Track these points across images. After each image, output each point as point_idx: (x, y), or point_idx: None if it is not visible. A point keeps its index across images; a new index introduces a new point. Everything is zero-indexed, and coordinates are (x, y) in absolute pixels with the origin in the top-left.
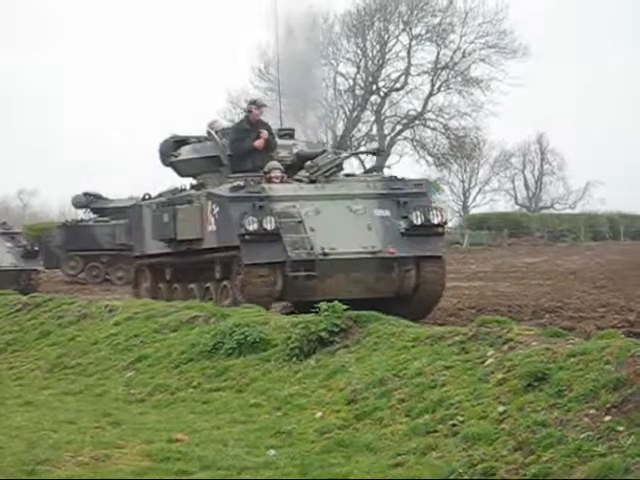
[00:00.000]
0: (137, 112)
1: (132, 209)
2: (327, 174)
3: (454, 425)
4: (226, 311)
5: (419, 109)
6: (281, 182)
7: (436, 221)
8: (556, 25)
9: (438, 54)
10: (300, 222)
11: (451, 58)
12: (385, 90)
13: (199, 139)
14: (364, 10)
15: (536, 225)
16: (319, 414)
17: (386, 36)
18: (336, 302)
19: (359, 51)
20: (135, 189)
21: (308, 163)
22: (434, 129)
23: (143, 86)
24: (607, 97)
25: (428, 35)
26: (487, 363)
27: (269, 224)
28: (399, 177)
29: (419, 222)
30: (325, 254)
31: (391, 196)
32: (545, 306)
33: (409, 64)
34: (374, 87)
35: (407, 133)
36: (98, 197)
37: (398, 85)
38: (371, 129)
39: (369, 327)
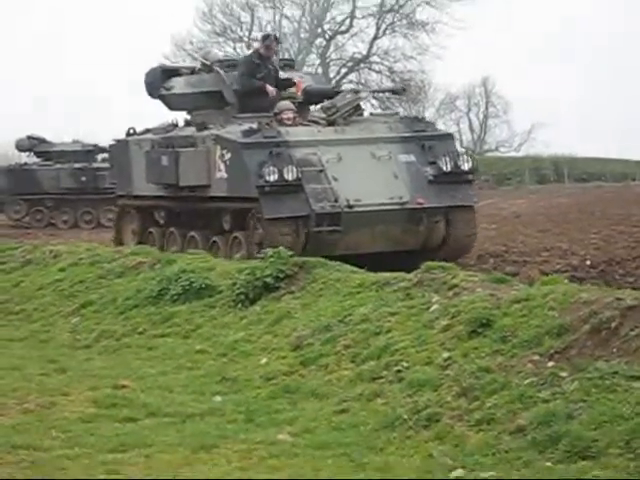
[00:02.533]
0: (79, 55)
1: (115, 144)
2: (346, 116)
3: (399, 371)
4: (171, 257)
5: (364, 52)
6: (294, 124)
7: (466, 167)
8: None
9: None
10: (322, 171)
11: (396, 1)
12: (330, 33)
13: (192, 70)
14: None
15: (481, 168)
16: (265, 360)
17: None
18: (281, 248)
19: None
20: (77, 133)
21: (325, 104)
22: (379, 72)
23: (86, 29)
24: (552, 40)
25: None
26: (432, 309)
27: (290, 174)
28: (420, 117)
29: (448, 169)
30: (350, 206)
31: (415, 139)
32: (490, 250)
33: (354, 7)
34: (319, 30)
35: (352, 76)
36: (42, 141)
37: (343, 28)
38: (316, 72)
39: (315, 273)
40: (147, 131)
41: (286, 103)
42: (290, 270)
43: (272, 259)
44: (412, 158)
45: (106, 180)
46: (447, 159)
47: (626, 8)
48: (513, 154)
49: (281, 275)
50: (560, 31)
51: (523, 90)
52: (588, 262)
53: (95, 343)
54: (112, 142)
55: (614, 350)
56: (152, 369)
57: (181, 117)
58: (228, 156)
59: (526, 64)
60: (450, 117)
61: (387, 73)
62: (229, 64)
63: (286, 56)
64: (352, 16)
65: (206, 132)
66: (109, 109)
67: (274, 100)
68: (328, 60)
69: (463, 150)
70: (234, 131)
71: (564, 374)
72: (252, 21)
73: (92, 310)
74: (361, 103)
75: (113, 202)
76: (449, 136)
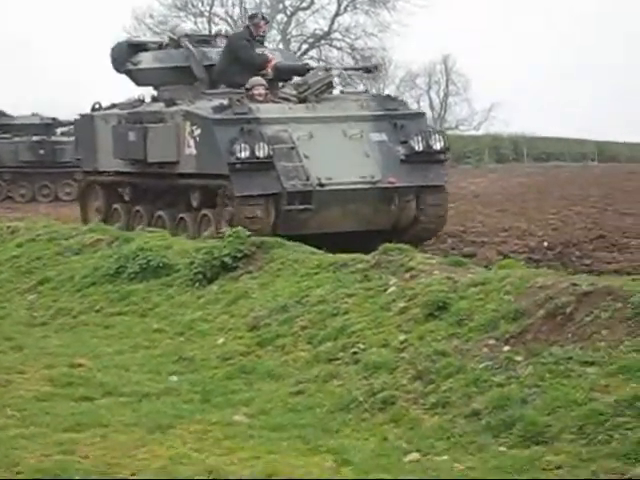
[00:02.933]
0: (38, 28)
1: (80, 119)
2: (318, 93)
3: (355, 353)
4: (129, 235)
5: (325, 29)
6: (264, 100)
7: (438, 147)
8: None
9: None
10: (293, 148)
11: None
12: (291, 9)
13: (160, 45)
14: None
15: None
16: (221, 340)
17: None
18: (239, 228)
19: None
20: (36, 105)
21: (297, 81)
22: (340, 49)
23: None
24: (514, 19)
25: None
26: (389, 291)
27: (261, 151)
28: (392, 96)
29: (420, 148)
30: (322, 185)
31: (387, 118)
32: (448, 230)
33: None
34: (280, 6)
35: (313, 53)
36: (0, 113)
37: (304, 4)
38: (286, 48)
39: (273, 253)
40: (113, 106)
41: (257, 79)
42: (248, 250)
43: (230, 238)
44: (384, 137)
45: (65, 154)
46: (419, 138)
47: None
48: (473, 132)
49: (239, 255)
50: (522, 10)
51: (484, 69)
52: (545, 244)
53: (52, 320)
54: (77, 117)
55: (569, 335)
56: (109, 348)
57: (147, 93)
58: (198, 132)
59: (487, 43)
60: (410, 95)
61: (348, 50)
62: (198, 39)
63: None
64: None
65: (175, 107)
66: (68, 81)
67: (247, 77)
68: (289, 36)
69: (435, 129)
70: (204, 107)
71: (519, 358)
72: None
73: (49, 287)
74: (333, 80)
75: (71, 176)
76: (421, 115)
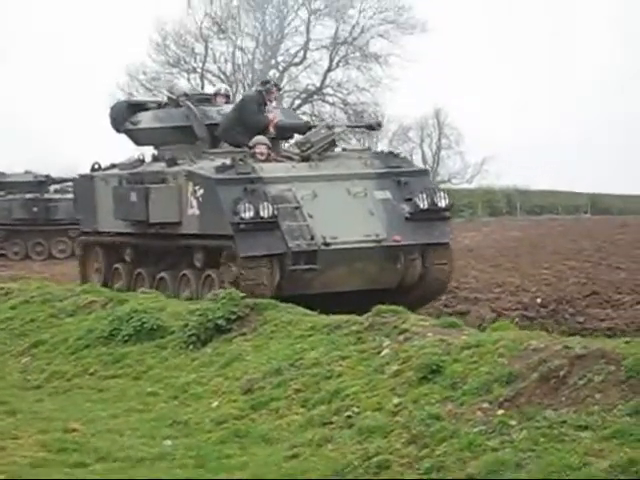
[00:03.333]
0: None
1: (80, 180)
2: (321, 151)
3: (349, 417)
4: (123, 296)
5: (318, 84)
6: (267, 159)
7: (443, 204)
8: (453, 1)
9: (337, 29)
10: (297, 208)
11: (350, 33)
12: (284, 65)
13: (159, 104)
14: None
15: None
16: (215, 403)
17: (285, 10)
18: (233, 290)
19: (258, 25)
20: (31, 163)
21: (300, 139)
22: (333, 104)
23: (38, 61)
24: (504, 73)
25: (327, 10)
26: (383, 354)
27: (266, 211)
28: (395, 153)
29: (425, 206)
30: (327, 244)
31: (391, 175)
32: None
33: (308, 39)
34: (273, 62)
35: (306, 108)
36: None
37: (297, 60)
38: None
39: (266, 315)
40: (113, 166)
41: (260, 138)
42: (242, 312)
43: (224, 300)
44: (388, 195)
45: (58, 211)
46: (423, 196)
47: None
48: (465, 186)
49: (233, 317)
50: (513, 62)
51: (476, 122)
52: (539, 300)
53: (46, 384)
54: (76, 177)
55: (563, 399)
56: (103, 412)
57: (146, 152)
58: (201, 192)
59: (478, 96)
60: (403, 148)
61: (341, 105)
62: (198, 98)
63: (239, 89)
64: (306, 48)
65: (177, 168)
66: (61, 140)
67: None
68: (282, 92)
69: (439, 187)
70: (207, 167)
71: (513, 422)
72: (206, 52)
73: (43, 350)
74: (335, 138)
75: (65, 233)
76: (425, 172)
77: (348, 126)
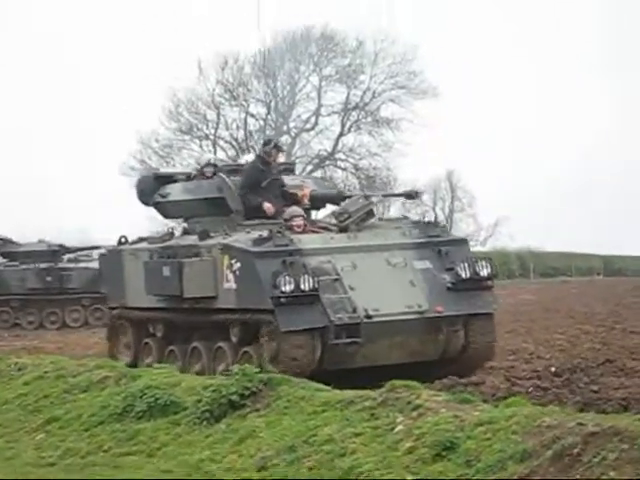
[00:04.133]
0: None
1: (107, 254)
2: (358, 222)
3: None
4: (136, 372)
5: (329, 149)
6: (304, 231)
7: (485, 273)
8: (463, 65)
9: (348, 95)
10: (337, 280)
11: (361, 98)
12: (296, 130)
13: (188, 176)
14: (274, 51)
15: None
16: None
17: (296, 77)
18: (246, 365)
19: (269, 91)
20: (42, 232)
21: (337, 209)
22: (344, 169)
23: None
24: (515, 133)
25: (338, 76)
26: (396, 430)
27: (306, 284)
28: (433, 221)
29: (467, 275)
30: (369, 316)
31: (430, 245)
32: None
33: (319, 105)
34: (285, 128)
35: (318, 173)
36: (8, 241)
37: (308, 126)
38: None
39: (279, 390)
40: (141, 240)
41: (296, 209)
42: (255, 387)
43: (237, 376)
44: (428, 264)
45: (72, 280)
46: (465, 265)
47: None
48: (479, 248)
49: (246, 392)
50: (524, 124)
51: (488, 183)
52: (553, 369)
53: (60, 460)
54: (103, 251)
55: (577, 477)
56: None
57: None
58: (237, 266)
59: (490, 157)
60: (416, 212)
61: (352, 170)
62: (228, 169)
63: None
64: (317, 114)
65: (211, 241)
66: (69, 207)
67: (278, 205)
68: (294, 157)
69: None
70: (243, 239)
71: None
72: (218, 119)
73: (57, 426)
74: (373, 208)
75: (79, 302)
76: (464, 241)
77: (384, 195)
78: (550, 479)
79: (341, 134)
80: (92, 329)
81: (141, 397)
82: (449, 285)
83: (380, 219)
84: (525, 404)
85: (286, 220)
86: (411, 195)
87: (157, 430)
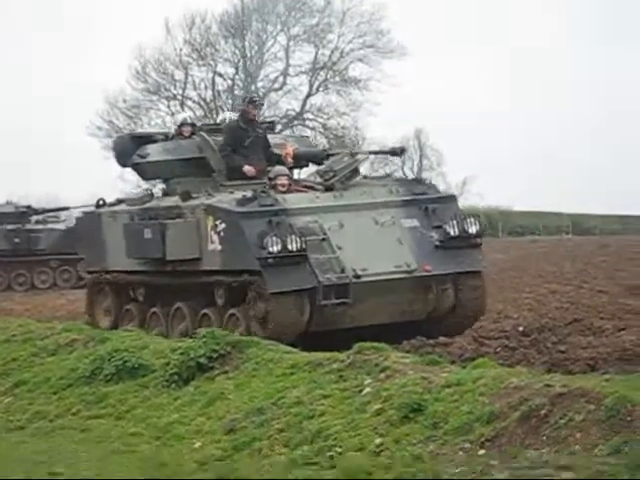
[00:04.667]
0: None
1: (84, 217)
2: (344, 180)
3: (332, 457)
4: (105, 334)
5: (298, 109)
6: (288, 190)
7: (473, 230)
8: (431, 24)
9: (316, 54)
10: (324, 239)
11: (329, 58)
12: (264, 90)
13: (166, 136)
14: (242, 11)
15: None
16: (198, 444)
17: (264, 37)
18: (215, 329)
19: (237, 52)
20: (9, 194)
21: (322, 168)
22: (313, 129)
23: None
24: (485, 93)
25: (306, 36)
26: (364, 392)
27: (294, 244)
28: (420, 179)
29: (455, 233)
30: (358, 276)
31: (417, 202)
32: None
33: (287, 64)
34: (253, 87)
35: (286, 133)
36: None
37: (277, 85)
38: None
39: (248, 353)
40: (119, 202)
41: (281, 168)
42: (224, 350)
43: (205, 339)
44: (416, 223)
45: (40, 242)
46: (454, 222)
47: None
48: None
49: (214, 355)
50: (493, 83)
51: (457, 142)
52: (521, 328)
53: (29, 424)
54: (79, 214)
55: (544, 438)
56: (87, 453)
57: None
58: (222, 227)
59: (459, 116)
60: (385, 170)
61: (321, 130)
62: (208, 129)
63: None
64: (285, 74)
65: (194, 202)
66: (36, 169)
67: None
68: (262, 117)
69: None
70: (227, 200)
71: (494, 462)
72: (186, 79)
73: (25, 390)
74: (359, 166)
75: (47, 264)
76: (452, 198)
77: (370, 152)
78: (517, 440)
79: (309, 94)
80: (60, 291)
81: (109, 360)
82: (437, 243)
83: (365, 177)
84: (492, 365)
85: (270, 179)
86: (396, 152)
87: (125, 393)
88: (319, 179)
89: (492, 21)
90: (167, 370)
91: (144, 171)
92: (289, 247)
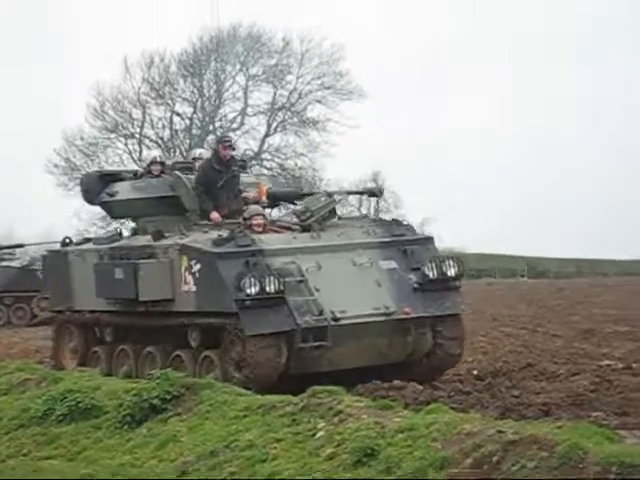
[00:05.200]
0: None
1: (50, 255)
2: (321, 220)
3: None
4: (58, 375)
5: (256, 149)
6: (264, 230)
7: (452, 273)
8: (389, 68)
9: (275, 95)
10: (302, 281)
11: (287, 99)
12: (222, 130)
13: (135, 174)
14: (201, 50)
15: None
16: None
17: (223, 76)
18: (168, 370)
19: (196, 91)
20: None
21: (298, 208)
22: (270, 169)
23: None
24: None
25: (264, 76)
26: (318, 436)
27: (272, 285)
28: (397, 220)
29: (434, 275)
30: (336, 319)
31: (395, 244)
32: None
33: (246, 104)
34: (211, 127)
35: (257, 172)
36: None
37: (235, 125)
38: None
39: (201, 395)
40: (86, 240)
41: (256, 208)
42: (177, 391)
43: (159, 380)
44: (394, 264)
45: None
46: (432, 265)
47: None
48: None
49: (168, 397)
50: (442, 128)
51: (413, 185)
52: (475, 372)
53: None
54: (45, 253)
55: None
56: None
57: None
58: (197, 267)
59: (415, 158)
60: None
61: (278, 170)
62: (180, 167)
63: (177, 155)
64: (243, 113)
65: (167, 241)
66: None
67: (235, 204)
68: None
69: (449, 255)
70: (201, 240)
71: None
72: (144, 117)
73: None
74: (336, 207)
75: (1, 301)
76: (430, 240)
77: (348, 192)
78: None
79: (267, 134)
80: (14, 329)
81: (62, 400)
82: (416, 286)
83: (339, 218)
84: (446, 411)
85: (245, 219)
86: (374, 192)
87: (78, 434)
88: (295, 219)
89: (450, 63)
90: (120, 411)
91: (112, 209)
92: (267, 289)
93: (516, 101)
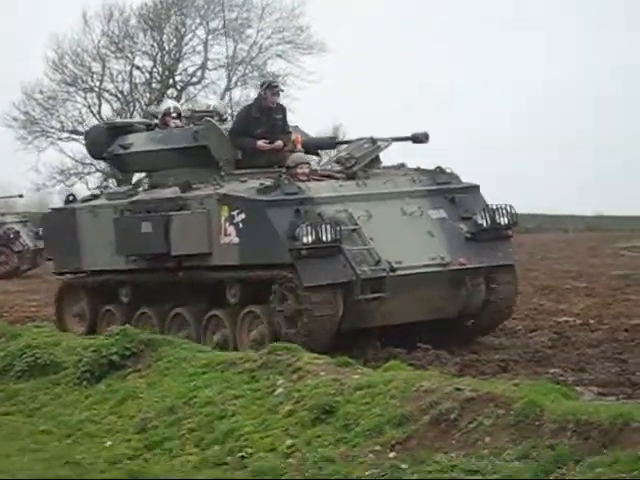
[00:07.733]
0: None
1: (54, 214)
2: (366, 168)
3: (243, 457)
4: (17, 330)
5: (216, 103)
6: (309, 179)
7: (505, 222)
8: (350, 21)
9: (235, 49)
10: (355, 230)
11: (248, 53)
12: (182, 84)
13: (148, 125)
14: (161, 3)
15: None
16: (109, 443)
17: (183, 30)
18: (127, 326)
19: (156, 44)
20: None
21: (342, 155)
22: None
23: None
24: (397, 90)
25: (224, 30)
26: (277, 393)
27: (328, 234)
28: (442, 168)
29: (487, 224)
30: (393, 269)
31: (442, 192)
32: None
33: (206, 58)
34: (171, 81)
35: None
36: None
37: (195, 79)
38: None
39: (160, 351)
40: (94, 197)
41: (301, 155)
42: (136, 348)
43: (118, 336)
44: (443, 214)
45: None
46: (484, 214)
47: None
48: None
49: (127, 353)
50: (408, 80)
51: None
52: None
53: None
54: (48, 211)
55: (453, 442)
56: None
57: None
58: (241, 217)
59: (375, 113)
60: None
61: None
62: (199, 115)
63: (137, 108)
64: (204, 67)
65: (202, 192)
66: None
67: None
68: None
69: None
70: (241, 189)
71: (404, 466)
72: (103, 71)
73: None
74: (380, 154)
75: None
76: (477, 188)
77: (393, 139)
78: (427, 444)
79: (227, 88)
80: None
81: (21, 356)
82: (468, 235)
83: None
84: (404, 368)
85: (289, 168)
86: (420, 139)
87: (37, 390)
88: (337, 167)
89: (414, 15)
90: (79, 367)
91: (125, 163)
92: (323, 238)
93: (484, 53)
